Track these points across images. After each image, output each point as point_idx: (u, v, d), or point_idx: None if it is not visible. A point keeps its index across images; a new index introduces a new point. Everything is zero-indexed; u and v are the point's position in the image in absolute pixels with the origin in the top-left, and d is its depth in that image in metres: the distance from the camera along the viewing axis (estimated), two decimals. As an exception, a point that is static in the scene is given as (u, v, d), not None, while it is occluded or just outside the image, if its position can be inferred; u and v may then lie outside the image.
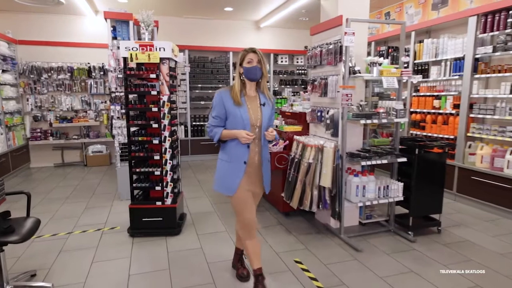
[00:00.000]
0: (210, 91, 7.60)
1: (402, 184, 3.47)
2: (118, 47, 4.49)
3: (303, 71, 8.27)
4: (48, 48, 6.64)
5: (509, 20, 3.95)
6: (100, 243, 3.39)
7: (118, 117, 4.52)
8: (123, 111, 4.48)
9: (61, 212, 4.27)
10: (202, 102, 7.56)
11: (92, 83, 6.79)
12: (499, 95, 4.11)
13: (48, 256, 3.10)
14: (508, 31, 3.99)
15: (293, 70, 8.27)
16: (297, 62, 8.23)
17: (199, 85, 7.44)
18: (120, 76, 4.47)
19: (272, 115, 2.46)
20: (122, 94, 4.50)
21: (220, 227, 3.79)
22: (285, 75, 8.20)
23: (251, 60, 2.27)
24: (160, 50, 3.29)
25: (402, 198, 3.48)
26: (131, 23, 4.55)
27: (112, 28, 4.54)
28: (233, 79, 7.49)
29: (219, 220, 4.00)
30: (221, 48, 7.57)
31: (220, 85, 7.61)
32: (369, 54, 5.70)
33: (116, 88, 4.50)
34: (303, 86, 8.20)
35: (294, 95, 7.78)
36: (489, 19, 4.17)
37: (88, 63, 6.76)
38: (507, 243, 3.34)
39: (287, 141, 3.94)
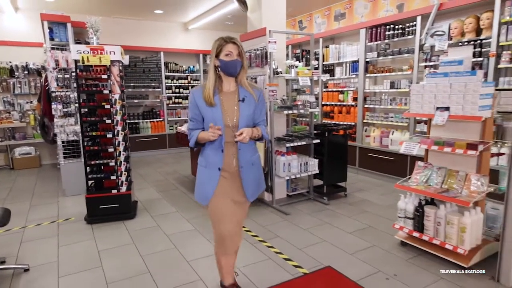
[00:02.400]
0: (143, 90, 7.86)
1: (317, 160, 4.44)
2: (53, 48, 4.65)
3: (230, 70, 8.99)
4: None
5: (387, 33, 5.23)
6: (60, 232, 3.66)
7: (60, 116, 4.66)
8: (66, 110, 4.66)
9: (5, 212, 4.28)
10: (136, 101, 7.79)
11: (16, 83, 6.52)
12: (383, 90, 5.40)
13: (10, 247, 3.30)
14: (386, 41, 5.28)
15: (221, 69, 8.94)
16: (225, 62, 8.91)
17: (132, 84, 7.64)
18: (60, 76, 4.63)
19: (259, 111, 2.15)
20: (63, 93, 4.68)
21: (171, 209, 4.32)
22: (214, 74, 8.82)
23: (230, 53, 1.98)
24: (110, 53, 3.68)
25: (317, 171, 4.46)
26: (69, 25, 4.71)
27: (49, 30, 4.64)
28: (166, 78, 7.92)
29: (168, 204, 4.51)
30: (151, 48, 7.87)
31: (153, 84, 7.92)
32: (287, 56, 6.70)
33: (55, 88, 4.64)
34: (231, 84, 8.92)
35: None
36: (374, 31, 5.43)
37: (10, 62, 6.48)
38: (390, 199, 4.54)
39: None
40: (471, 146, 2.58)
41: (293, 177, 4.29)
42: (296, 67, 4.29)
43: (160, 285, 2.61)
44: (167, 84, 8.10)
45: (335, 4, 6.73)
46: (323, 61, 6.48)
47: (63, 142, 4.77)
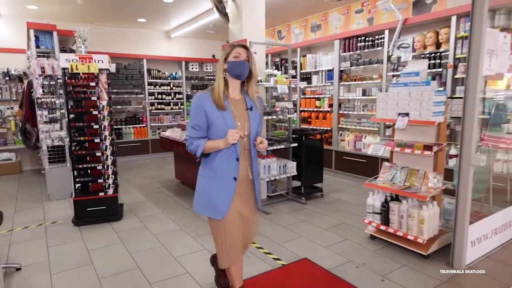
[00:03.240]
0: (125, 96, 7.99)
1: (295, 163, 4.74)
2: (39, 55, 4.77)
3: (212, 77, 9.25)
4: None
5: (358, 44, 5.64)
6: (48, 234, 3.78)
7: (45, 122, 4.77)
8: (51, 115, 4.77)
9: (-11, 216, 4.34)
10: (119, 107, 7.89)
11: (-4, 89, 6.53)
12: (356, 97, 5.79)
13: (-1, 249, 3.40)
14: (358, 52, 5.69)
15: (203, 76, 9.19)
16: (207, 69, 9.17)
17: (115, 90, 7.74)
18: (46, 82, 4.74)
19: (261, 120, 2.12)
20: (49, 99, 4.79)
21: (156, 211, 4.50)
22: (196, 81, 9.06)
23: (239, 55, 1.95)
24: (98, 62, 3.86)
25: (296, 173, 4.75)
26: (55, 33, 4.84)
27: (35, 38, 4.76)
28: (149, 84, 8.07)
29: (153, 206, 4.68)
30: (134, 55, 8.01)
31: (136, 90, 8.06)
32: (266, 64, 7.02)
33: (41, 95, 4.74)
34: (212, 91, 9.18)
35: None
36: (347, 42, 5.83)
37: (-10, 68, 6.48)
38: (363, 198, 4.83)
39: (208, 136, 4.86)
40: (427, 147, 2.94)
41: (273, 178, 4.57)
42: (275, 75, 4.59)
43: (150, 279, 2.81)
44: (149, 91, 8.26)
45: (311, 16, 7.13)
46: (301, 69, 6.83)
47: (48, 147, 4.86)
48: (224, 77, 2.00)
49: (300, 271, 2.90)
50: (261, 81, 4.49)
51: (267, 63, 7.10)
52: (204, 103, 1.95)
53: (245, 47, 1.98)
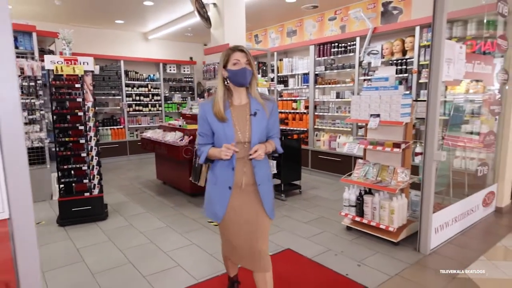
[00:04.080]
0: (103, 97, 7.92)
1: (275, 162, 4.99)
2: (17, 56, 4.73)
3: (190, 79, 9.35)
4: None
5: (332, 50, 6.00)
6: (33, 234, 3.78)
7: (24, 123, 4.72)
8: (31, 117, 4.73)
9: (-33, 220, 4.25)
10: (96, 108, 7.79)
11: (-34, 89, 6.29)
12: (330, 99, 6.14)
13: (-16, 251, 3.37)
14: (332, 57, 6.05)
15: (181, 78, 9.27)
16: (184, 71, 9.26)
17: (91, 92, 7.67)
18: (25, 83, 4.70)
19: (272, 123, 2.06)
20: (28, 100, 4.75)
21: (140, 210, 4.59)
22: (174, 82, 9.12)
23: (238, 61, 1.90)
24: (84, 64, 3.92)
25: (275, 172, 5.00)
26: (34, 34, 4.81)
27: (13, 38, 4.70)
28: (126, 86, 8.06)
29: (137, 206, 4.77)
30: (112, 57, 7.97)
31: (113, 92, 8.01)
32: (245, 67, 7.24)
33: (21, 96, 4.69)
34: (190, 93, 9.30)
35: (183, 100, 8.88)
36: (321, 48, 6.18)
37: (-40, 68, 6.24)
38: (339, 194, 5.20)
39: (191, 136, 5.00)
40: (396, 145, 3.28)
41: (254, 177, 4.78)
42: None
43: (143, 272, 2.94)
44: (127, 92, 8.24)
45: (287, 22, 7.45)
46: (278, 73, 7.12)
47: (27, 148, 4.80)
48: (227, 85, 1.99)
49: (285, 260, 3.14)
50: (242, 84, 4.71)
51: (245, 66, 7.33)
52: (207, 113, 1.97)
53: (242, 50, 1.93)
